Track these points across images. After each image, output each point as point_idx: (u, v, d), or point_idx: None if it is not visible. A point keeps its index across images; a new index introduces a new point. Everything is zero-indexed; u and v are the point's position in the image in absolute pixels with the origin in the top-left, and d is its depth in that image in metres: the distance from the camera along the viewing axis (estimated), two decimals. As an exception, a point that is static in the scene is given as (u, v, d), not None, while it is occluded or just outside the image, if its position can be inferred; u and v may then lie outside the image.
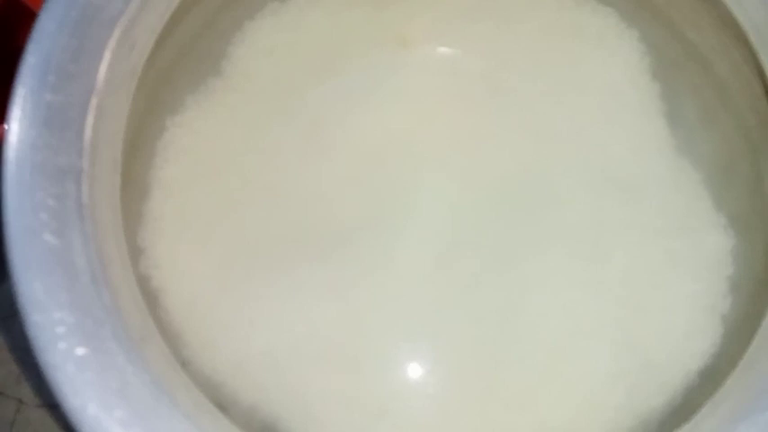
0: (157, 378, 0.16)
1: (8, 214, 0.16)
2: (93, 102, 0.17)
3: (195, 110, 0.28)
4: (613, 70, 0.30)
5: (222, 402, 0.25)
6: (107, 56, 0.18)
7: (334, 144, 0.29)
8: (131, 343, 0.16)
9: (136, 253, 0.25)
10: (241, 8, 0.29)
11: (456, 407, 0.27)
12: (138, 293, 0.18)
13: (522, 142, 0.29)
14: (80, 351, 0.15)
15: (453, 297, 0.28)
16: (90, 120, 0.17)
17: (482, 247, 0.28)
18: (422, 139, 0.29)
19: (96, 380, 0.15)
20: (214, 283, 0.27)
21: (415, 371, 0.27)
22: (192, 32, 0.27)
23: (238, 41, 0.29)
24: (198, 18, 0.26)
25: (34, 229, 0.16)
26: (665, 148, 0.29)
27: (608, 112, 0.30)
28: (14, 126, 0.16)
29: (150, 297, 0.25)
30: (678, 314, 0.27)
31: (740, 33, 0.26)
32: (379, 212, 0.28)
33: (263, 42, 0.29)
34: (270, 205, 0.28)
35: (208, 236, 0.27)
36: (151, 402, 0.15)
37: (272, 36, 0.29)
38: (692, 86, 0.29)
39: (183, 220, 0.27)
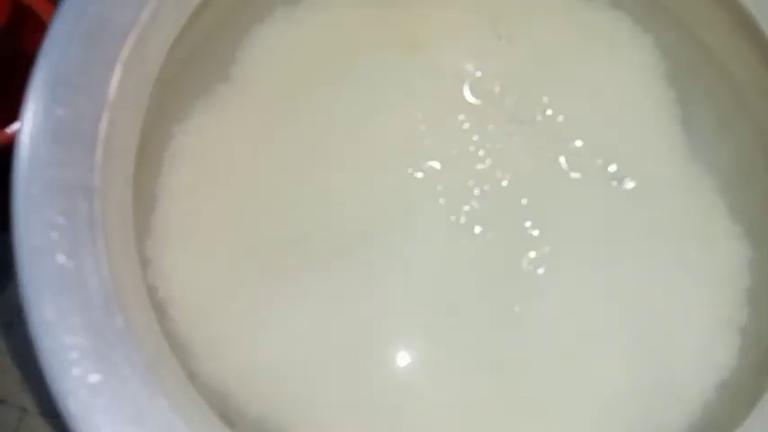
0: (172, 404, 0.15)
1: (19, 233, 0.15)
2: (105, 116, 0.17)
3: (203, 116, 0.28)
4: (627, 75, 0.29)
5: (229, 414, 0.25)
6: (118, 68, 0.17)
7: (343, 149, 0.29)
8: (145, 367, 0.15)
9: (143, 263, 0.24)
10: (250, 13, 0.28)
11: (466, 418, 0.26)
12: (151, 313, 0.18)
13: (534, 147, 0.29)
14: (93, 378, 0.15)
15: (463, 304, 0.27)
16: (102, 134, 0.17)
17: (491, 253, 0.28)
18: (431, 145, 0.29)
19: (110, 407, 0.15)
20: (222, 292, 0.26)
21: (424, 380, 0.27)
22: (200, 38, 0.26)
23: (247, 46, 0.28)
24: (206, 24, 0.26)
25: (45, 250, 0.15)
26: (680, 155, 0.29)
27: (622, 118, 0.29)
28: (25, 141, 0.16)
29: (157, 308, 0.24)
30: (694, 325, 0.27)
31: (758, 35, 0.26)
32: (387, 218, 0.28)
33: (272, 47, 0.29)
34: (278, 212, 0.28)
35: (215, 244, 0.27)
36: (166, 430, 0.15)
37: (281, 41, 0.29)
38: (707, 92, 0.29)
39: (191, 228, 0.27)
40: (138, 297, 0.18)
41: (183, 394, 0.17)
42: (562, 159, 0.29)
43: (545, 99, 0.29)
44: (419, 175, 0.28)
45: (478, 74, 0.29)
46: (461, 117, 0.29)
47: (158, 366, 0.16)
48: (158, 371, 0.16)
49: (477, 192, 0.28)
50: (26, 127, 0.16)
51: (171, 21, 0.19)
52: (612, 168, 0.29)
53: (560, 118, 0.29)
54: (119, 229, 0.17)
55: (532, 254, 0.28)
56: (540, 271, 0.28)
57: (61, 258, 0.16)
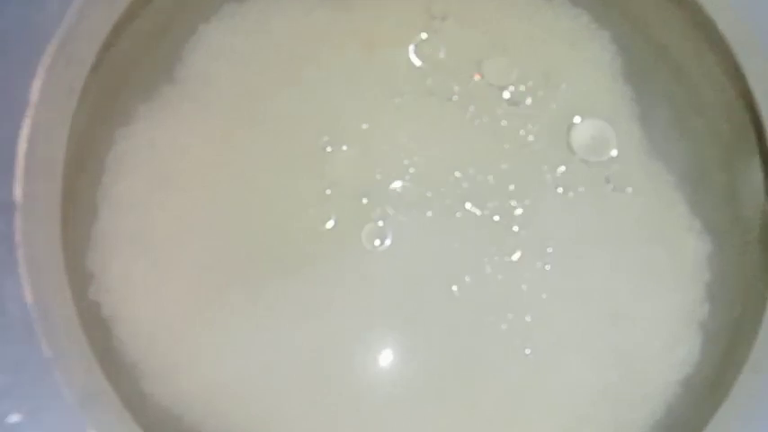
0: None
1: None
2: (26, 126, 0.15)
3: (148, 120, 0.26)
4: (585, 73, 0.29)
5: (184, 435, 0.23)
6: (41, 73, 0.16)
7: (298, 152, 0.28)
8: (76, 400, 0.14)
9: (84, 279, 0.23)
10: (194, 11, 0.27)
11: (437, 426, 0.26)
12: (83, 339, 0.16)
13: (494, 147, 0.29)
14: (13, 418, 0.13)
15: (429, 311, 0.27)
16: (22, 147, 0.15)
17: (457, 258, 0.27)
18: (391, 145, 0.28)
19: (34, 448, 0.13)
20: (173, 306, 0.25)
21: (392, 392, 0.26)
22: (141, 38, 0.25)
23: (193, 46, 0.27)
24: (147, 23, 0.24)
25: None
26: (639, 153, 0.29)
27: (580, 115, 0.29)
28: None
29: (102, 325, 0.23)
30: (658, 323, 0.27)
31: (715, 35, 0.26)
32: (348, 223, 0.27)
33: (219, 46, 0.27)
34: (232, 220, 0.26)
35: (164, 256, 0.26)
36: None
37: (229, 39, 0.27)
38: (664, 90, 0.29)
39: (137, 239, 0.25)
40: (71, 322, 0.16)
41: (120, 426, 0.16)
42: (522, 159, 0.28)
43: (506, 95, 0.29)
44: (386, 175, 0.28)
45: (436, 68, 0.29)
46: (424, 113, 0.28)
47: (91, 398, 0.15)
48: (91, 403, 0.15)
49: (440, 193, 0.28)
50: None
51: (101, 17, 0.18)
52: (573, 167, 0.29)
53: (517, 115, 0.29)
54: (45, 246, 0.16)
55: (499, 258, 0.27)
56: (507, 276, 0.27)
57: (-24, 286, 0.14)
